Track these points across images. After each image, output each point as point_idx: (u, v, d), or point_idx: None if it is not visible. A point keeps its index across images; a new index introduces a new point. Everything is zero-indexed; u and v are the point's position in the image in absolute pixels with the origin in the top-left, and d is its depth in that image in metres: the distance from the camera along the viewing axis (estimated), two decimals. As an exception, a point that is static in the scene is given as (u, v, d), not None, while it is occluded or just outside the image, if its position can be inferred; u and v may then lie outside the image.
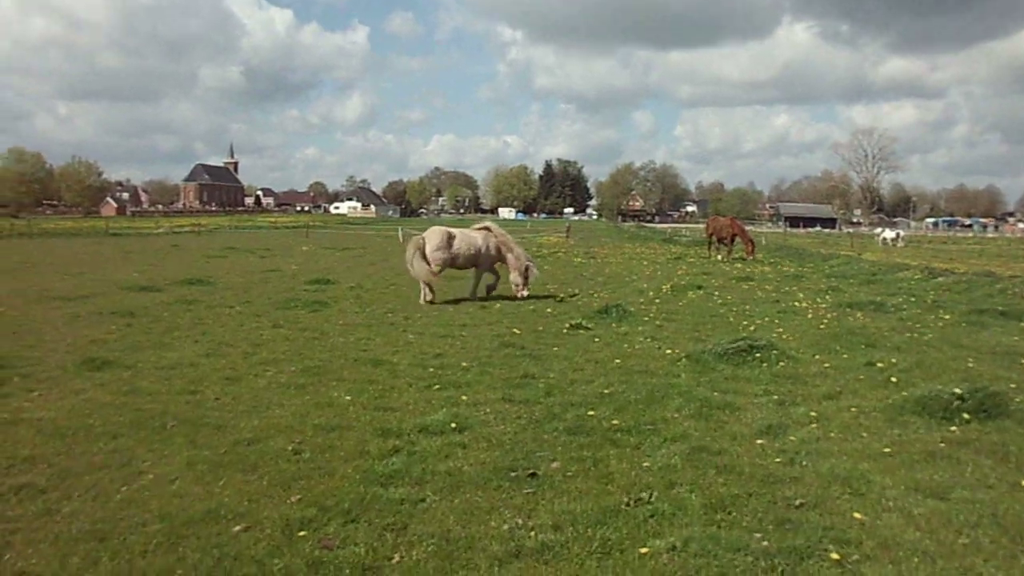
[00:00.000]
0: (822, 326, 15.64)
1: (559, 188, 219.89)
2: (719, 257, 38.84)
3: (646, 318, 16.39)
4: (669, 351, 12.78)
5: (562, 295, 20.16)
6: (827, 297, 21.56)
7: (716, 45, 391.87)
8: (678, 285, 22.94)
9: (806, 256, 40.90)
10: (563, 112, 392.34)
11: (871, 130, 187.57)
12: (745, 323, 16.00)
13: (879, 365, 11.63)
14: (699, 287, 22.78)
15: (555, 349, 13.00)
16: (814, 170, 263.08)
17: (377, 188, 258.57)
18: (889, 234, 79.25)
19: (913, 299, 20.89)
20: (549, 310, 17.65)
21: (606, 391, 9.95)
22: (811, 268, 33.75)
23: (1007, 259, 50.76)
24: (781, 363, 11.64)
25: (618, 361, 11.93)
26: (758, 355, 11.80)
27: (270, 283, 23.80)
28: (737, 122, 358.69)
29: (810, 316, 17.24)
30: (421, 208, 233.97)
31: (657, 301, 19.51)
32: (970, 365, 11.77)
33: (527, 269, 20.14)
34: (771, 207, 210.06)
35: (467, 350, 12.84)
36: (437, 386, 10.16)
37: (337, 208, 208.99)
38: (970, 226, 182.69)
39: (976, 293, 22.36)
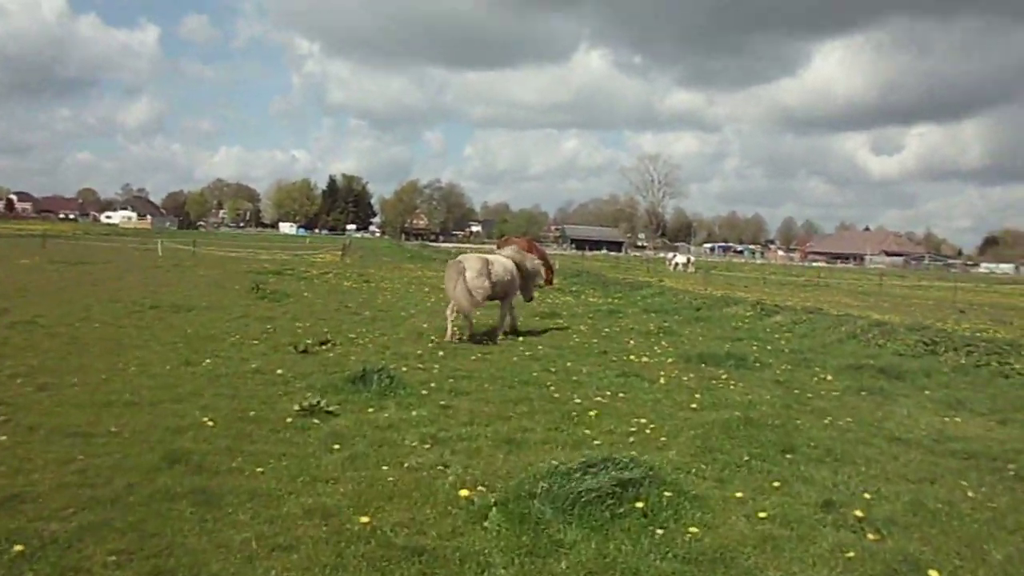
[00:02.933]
0: (693, 406, 10.47)
1: (342, 204, 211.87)
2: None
3: (424, 391, 10.52)
4: (464, 486, 6.78)
5: (309, 340, 13.98)
6: (663, 343, 16.83)
7: (513, 68, 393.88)
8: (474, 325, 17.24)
9: (610, 284, 36.37)
10: (354, 128, 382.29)
11: (657, 156, 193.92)
12: (577, 400, 10.55)
13: (841, 508, 6.51)
14: (490, 333, 17.16)
15: (258, 473, 6.97)
16: (600, 194, 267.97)
17: (159, 198, 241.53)
18: (680, 259, 78.81)
19: (769, 348, 16.73)
20: (281, 371, 11.45)
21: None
22: (621, 299, 29.19)
23: (792, 287, 49.57)
24: (682, 519, 6.09)
25: (363, 519, 5.91)
26: (634, 501, 6.17)
27: None
28: (527, 144, 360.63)
29: (663, 381, 12.17)
30: (200, 220, 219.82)
31: (441, 354, 13.67)
32: (970, 496, 7.18)
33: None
34: (557, 229, 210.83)
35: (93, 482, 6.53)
36: None
37: (109, 218, 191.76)
38: (741, 252, 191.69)
39: (826, 338, 18.69)
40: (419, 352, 13.65)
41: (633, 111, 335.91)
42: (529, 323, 19.23)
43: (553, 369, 12.60)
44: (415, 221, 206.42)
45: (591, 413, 9.60)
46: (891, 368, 14.11)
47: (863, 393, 12.01)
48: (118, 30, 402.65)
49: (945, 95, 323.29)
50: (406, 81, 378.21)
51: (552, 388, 11.03)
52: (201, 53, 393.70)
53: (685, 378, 12.47)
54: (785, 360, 14.93)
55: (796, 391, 11.85)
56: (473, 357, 13.51)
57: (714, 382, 12.18)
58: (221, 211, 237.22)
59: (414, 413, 9.14)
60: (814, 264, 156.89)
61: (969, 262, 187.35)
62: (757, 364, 14.17)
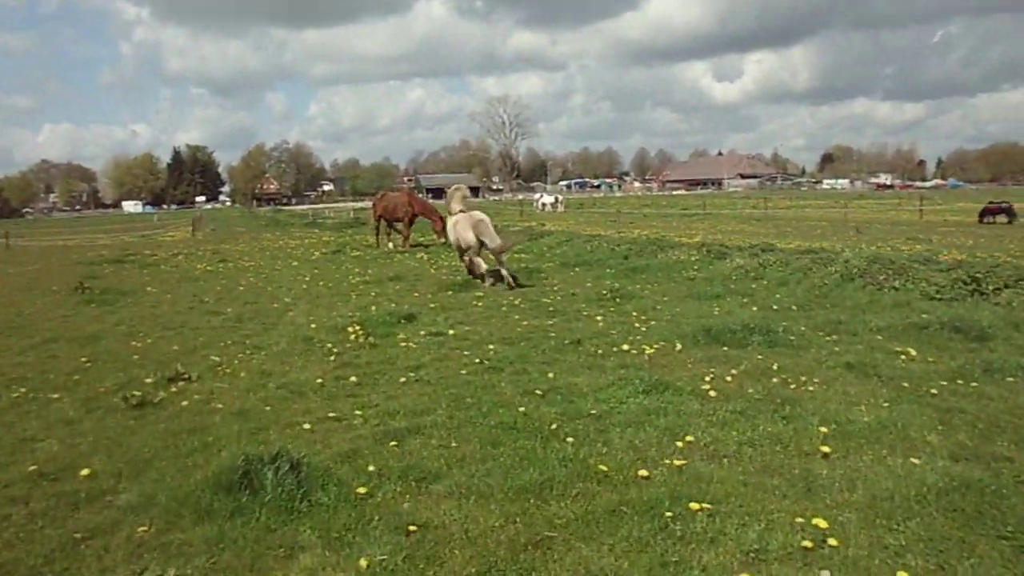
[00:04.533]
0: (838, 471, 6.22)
1: (189, 176, 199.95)
2: (391, 246, 28.90)
3: (361, 485, 5.81)
4: None
5: (149, 378, 9.24)
6: (632, 313, 12.84)
7: (355, 22, 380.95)
8: (371, 318, 12.66)
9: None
10: (196, 97, 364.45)
11: (506, 98, 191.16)
12: (637, 482, 6.10)
13: None
14: (409, 318, 12.69)
15: None
16: (449, 142, 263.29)
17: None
18: (548, 199, 76.29)
19: (775, 309, 12.96)
20: (87, 471, 6.43)
21: None
22: (527, 252, 24.90)
23: (680, 220, 47.01)
24: None
25: None
26: None
27: None
28: (372, 98, 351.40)
29: (713, 394, 7.89)
30: (26, 207, 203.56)
31: (354, 379, 9.09)
32: None
33: None
34: (410, 179, 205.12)
35: None
36: None
37: None
38: (598, 187, 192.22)
39: (820, 285, 15.07)
40: (319, 379, 9.01)
41: (477, 56, 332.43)
42: (448, 302, 14.83)
43: (541, 391, 8.14)
44: (265, 186, 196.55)
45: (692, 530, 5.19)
46: (965, 325, 10.37)
47: (975, 381, 8.16)
48: None
49: (777, 23, 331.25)
50: (245, 44, 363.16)
51: (570, 441, 6.57)
52: (3, 20, 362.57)
53: (729, 378, 8.39)
54: (818, 327, 11.03)
55: (917, 393, 7.81)
56: (403, 379, 8.99)
57: (792, 386, 8.03)
58: (51, 195, 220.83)
59: (362, 563, 4.68)
60: (674, 192, 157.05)
61: (812, 179, 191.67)
62: (793, 339, 10.22)
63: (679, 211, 62.66)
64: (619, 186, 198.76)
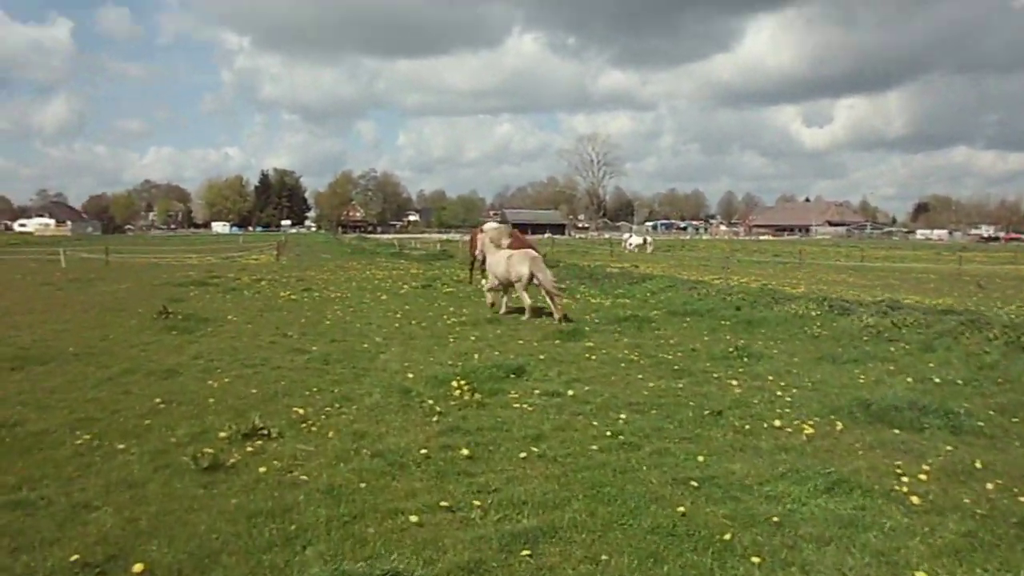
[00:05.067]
0: None
1: (276, 200, 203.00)
2: (484, 283, 27.33)
3: None
4: None
5: (224, 432, 7.95)
6: (769, 379, 11.12)
7: (446, 54, 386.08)
8: (476, 370, 11.21)
9: (597, 276, 30.57)
10: (287, 123, 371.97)
11: (595, 136, 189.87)
12: None
13: None
14: (518, 371, 11.26)
15: None
16: (536, 178, 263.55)
17: (79, 203, 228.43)
18: (636, 239, 74.08)
19: (937, 381, 11.27)
20: (140, 566, 5.23)
21: None
22: (628, 297, 23.43)
23: (777, 267, 44.69)
24: None
25: None
26: None
27: None
28: (461, 131, 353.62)
29: (916, 501, 6.22)
30: (128, 224, 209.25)
31: (463, 453, 7.66)
32: None
33: None
34: (496, 214, 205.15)
35: None
36: None
37: (23, 226, 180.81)
38: (685, 229, 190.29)
39: (978, 353, 13.34)
40: (423, 448, 7.58)
41: (567, 93, 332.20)
42: (558, 353, 13.37)
43: (695, 480, 6.61)
44: (351, 213, 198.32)
45: None
46: None
47: None
48: (25, 25, 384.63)
49: (871, 67, 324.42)
50: (338, 72, 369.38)
51: (755, 561, 5.05)
52: (123, 50, 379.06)
53: (923, 476, 6.77)
54: (1005, 411, 9.31)
55: None
56: (523, 454, 7.51)
57: (1021, 498, 6.42)
58: (151, 213, 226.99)
59: None
60: (761, 238, 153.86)
61: (904, 229, 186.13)
62: (982, 426, 8.54)
63: (772, 258, 60.37)
64: (705, 229, 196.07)
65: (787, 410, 9.14)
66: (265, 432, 7.88)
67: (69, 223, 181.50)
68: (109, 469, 6.96)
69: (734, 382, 10.81)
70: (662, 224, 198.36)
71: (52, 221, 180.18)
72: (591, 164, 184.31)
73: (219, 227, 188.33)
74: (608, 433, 8.17)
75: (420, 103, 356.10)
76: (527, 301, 18.29)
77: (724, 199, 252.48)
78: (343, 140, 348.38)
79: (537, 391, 10.12)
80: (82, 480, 6.70)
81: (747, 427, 8.44)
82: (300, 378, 10.96)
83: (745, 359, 12.76)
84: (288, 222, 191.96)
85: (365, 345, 14.07)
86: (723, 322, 17.77)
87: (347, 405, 9.35)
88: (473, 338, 14.95)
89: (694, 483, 6.56)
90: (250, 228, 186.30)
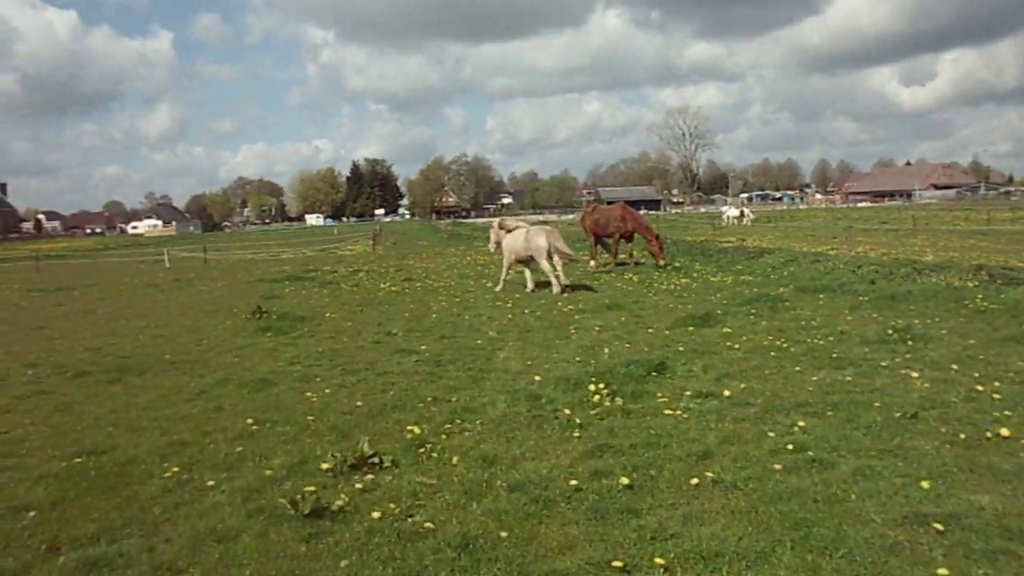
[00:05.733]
0: None
1: (368, 189, 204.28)
2: (592, 264, 25.89)
3: None
4: None
5: (327, 463, 6.69)
6: (951, 366, 9.58)
7: (531, 35, 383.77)
8: (610, 368, 9.73)
9: (709, 252, 28.76)
10: (375, 113, 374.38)
11: (685, 109, 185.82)
12: None
13: None
14: (660, 368, 9.77)
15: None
16: (627, 154, 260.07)
17: (182, 203, 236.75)
18: (733, 212, 71.61)
19: None
20: None
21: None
22: (749, 274, 21.69)
23: (890, 235, 41.80)
24: None
25: None
26: None
27: None
28: (550, 111, 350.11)
29: None
30: (224, 221, 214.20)
31: (621, 483, 6.20)
32: None
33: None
34: (589, 192, 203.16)
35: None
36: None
37: (135, 228, 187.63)
38: (780, 199, 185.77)
39: None
40: (570, 478, 6.16)
41: (653, 67, 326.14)
42: (694, 342, 11.78)
43: (938, 523, 4.98)
44: (444, 199, 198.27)
45: None
46: None
47: None
48: (131, 39, 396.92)
49: (979, 15, 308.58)
50: (423, 60, 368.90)
51: None
52: (216, 54, 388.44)
53: None
54: None
55: None
56: (694, 480, 6.04)
57: None
58: (245, 209, 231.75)
59: None
60: (859, 205, 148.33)
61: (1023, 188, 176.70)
62: None
63: (880, 224, 57.23)
64: (801, 198, 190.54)
65: (1006, 412, 7.40)
66: (376, 461, 6.58)
67: (174, 223, 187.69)
68: (198, 513, 5.80)
69: (914, 374, 9.07)
70: (757, 195, 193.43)
71: (159, 222, 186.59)
72: (682, 138, 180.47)
73: (313, 219, 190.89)
74: (788, 446, 6.67)
75: (507, 86, 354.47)
76: (552, 273, 18.93)
77: (818, 167, 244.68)
78: (432, 127, 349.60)
79: (687, 392, 8.62)
80: (168, 527, 5.57)
81: (961, 436, 6.79)
82: (411, 385, 9.69)
83: (909, 342, 11.05)
84: (382, 211, 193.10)
85: (479, 341, 12.74)
86: (861, 298, 16.02)
87: (469, 419, 8.00)
88: (597, 328, 13.48)
89: (936, 525, 4.98)
90: (344, 219, 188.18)
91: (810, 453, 6.47)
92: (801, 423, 7.29)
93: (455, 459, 6.75)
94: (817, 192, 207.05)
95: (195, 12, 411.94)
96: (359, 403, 8.87)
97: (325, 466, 6.58)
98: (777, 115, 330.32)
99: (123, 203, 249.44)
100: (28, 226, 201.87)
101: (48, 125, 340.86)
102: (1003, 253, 23.61)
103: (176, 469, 6.77)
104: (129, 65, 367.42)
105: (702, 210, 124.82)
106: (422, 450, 6.98)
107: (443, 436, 7.45)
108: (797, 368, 9.78)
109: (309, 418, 8.29)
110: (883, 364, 9.76)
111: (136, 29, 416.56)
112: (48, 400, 9.85)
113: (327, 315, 16.90)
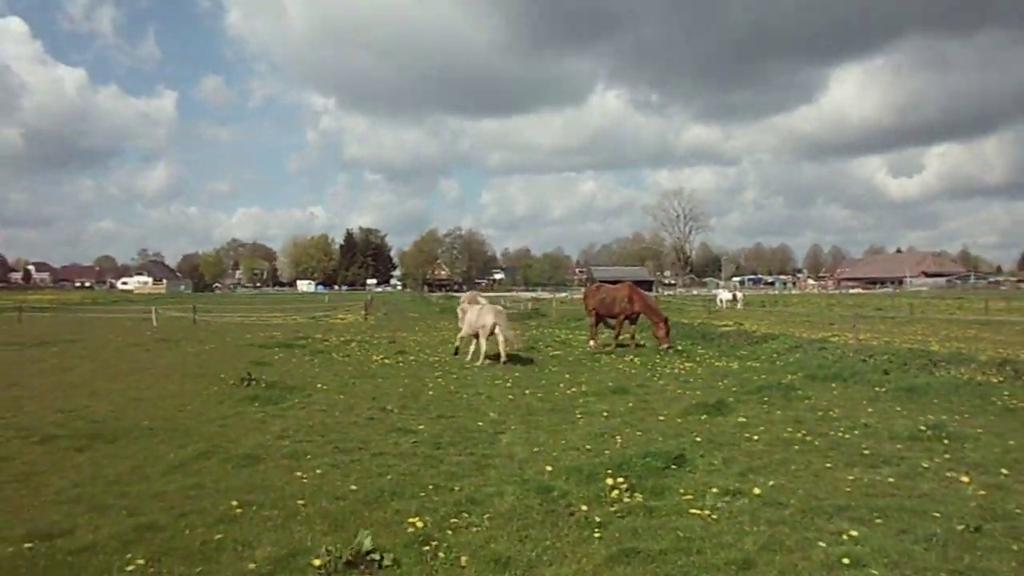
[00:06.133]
0: None
1: (361, 258, 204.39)
2: (592, 344, 25.07)
3: None
4: None
5: (322, 558, 5.93)
6: (1000, 471, 8.88)
7: (530, 112, 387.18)
8: (626, 459, 8.98)
9: (710, 336, 28.11)
10: (371, 183, 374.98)
11: (680, 191, 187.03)
12: None
13: None
14: (678, 461, 9.02)
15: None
16: (621, 234, 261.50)
17: (174, 262, 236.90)
18: (726, 295, 71.30)
19: None
20: None
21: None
22: (753, 359, 21.03)
23: (887, 323, 41.24)
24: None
25: None
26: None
27: None
28: (545, 189, 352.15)
29: None
30: (216, 282, 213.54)
31: None
32: None
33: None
34: (582, 271, 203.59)
35: None
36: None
37: (125, 284, 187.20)
38: (772, 283, 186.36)
39: None
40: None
41: (650, 149, 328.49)
42: (710, 432, 11.02)
43: None
44: (436, 272, 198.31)
45: None
46: None
47: None
48: (136, 99, 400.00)
49: (967, 112, 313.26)
50: (422, 132, 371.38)
51: None
52: (217, 115, 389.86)
53: None
54: None
55: None
56: None
57: None
58: (237, 272, 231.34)
59: None
60: (851, 291, 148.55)
61: (1014, 278, 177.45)
62: None
63: (875, 311, 56.68)
64: (793, 283, 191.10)
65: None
66: (376, 558, 5.81)
67: (165, 281, 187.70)
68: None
69: (963, 478, 8.35)
70: (749, 279, 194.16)
71: (150, 279, 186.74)
72: (677, 219, 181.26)
73: (304, 285, 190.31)
74: (843, 559, 5.89)
75: (504, 161, 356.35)
76: (483, 349, 21.30)
77: (810, 252, 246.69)
78: (427, 199, 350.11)
79: (712, 488, 7.84)
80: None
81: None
82: (409, 470, 8.90)
83: (944, 440, 10.33)
84: (374, 280, 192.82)
85: (480, 423, 11.94)
86: (877, 389, 15.39)
87: (475, 512, 7.20)
88: (604, 414, 12.69)
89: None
90: (336, 287, 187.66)
91: (873, 572, 5.70)
92: (852, 532, 6.52)
93: (463, 559, 5.98)
94: (809, 277, 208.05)
95: (201, 74, 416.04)
96: (353, 487, 8.08)
97: (316, 562, 5.79)
98: (770, 200, 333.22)
99: (115, 258, 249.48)
100: (17, 276, 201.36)
101: (47, 178, 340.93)
102: (1011, 346, 23.05)
103: (141, 561, 5.94)
104: (132, 123, 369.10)
105: (694, 292, 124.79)
106: (427, 548, 6.19)
107: (448, 531, 6.66)
108: (828, 464, 9.05)
109: (299, 502, 7.49)
110: (923, 465, 9.04)
111: (142, 89, 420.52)
112: (6, 468, 9.01)
113: (318, 386, 16.11)
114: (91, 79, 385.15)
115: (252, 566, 5.84)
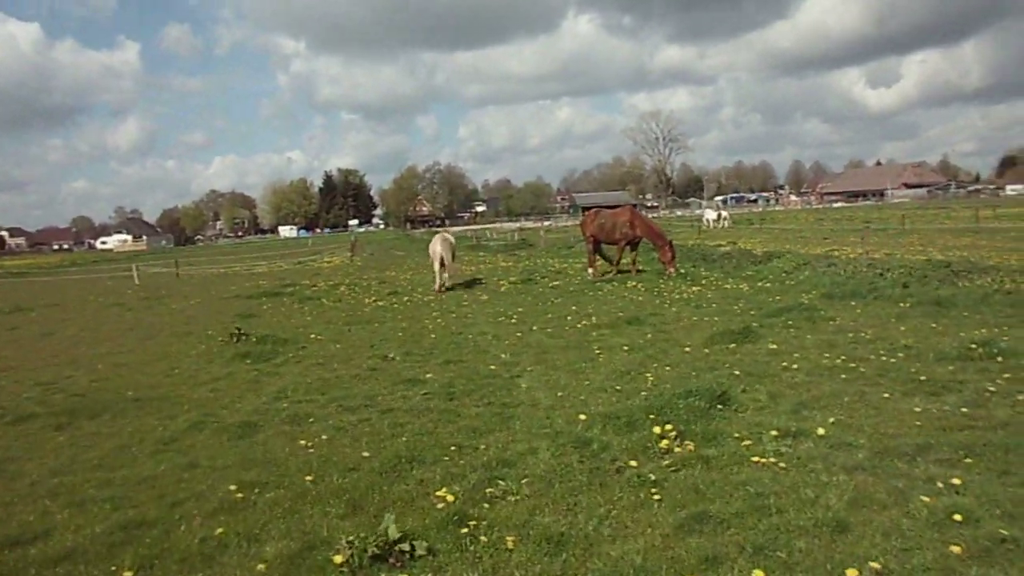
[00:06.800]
0: None
1: (341, 200, 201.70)
2: (591, 272, 24.11)
3: None
4: None
5: (338, 551, 5.02)
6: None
7: (503, 42, 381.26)
8: (666, 399, 8.13)
9: (711, 257, 27.27)
10: (348, 123, 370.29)
11: (658, 113, 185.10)
12: None
13: None
14: (723, 399, 8.14)
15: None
16: (600, 160, 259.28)
17: (153, 218, 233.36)
18: (711, 215, 70.65)
19: None
20: None
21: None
22: (761, 280, 20.19)
23: (881, 235, 40.59)
24: None
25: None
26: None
27: None
28: (522, 118, 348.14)
29: None
30: (197, 235, 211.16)
31: None
32: None
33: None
34: (564, 198, 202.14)
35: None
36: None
37: (104, 243, 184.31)
38: (755, 200, 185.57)
39: None
40: (676, 571, 4.63)
41: (625, 73, 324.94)
42: (745, 364, 10.14)
43: None
44: (418, 208, 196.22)
45: None
46: None
47: None
48: (97, 52, 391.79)
49: (946, 18, 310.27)
50: (396, 69, 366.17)
51: None
52: (185, 66, 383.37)
53: None
54: None
55: None
56: (849, 571, 4.44)
57: None
58: (218, 222, 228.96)
59: None
60: (834, 205, 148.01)
61: (992, 186, 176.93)
62: None
63: (864, 225, 55.98)
64: (776, 200, 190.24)
65: None
66: (407, 548, 4.93)
67: (145, 238, 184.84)
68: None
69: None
70: (732, 198, 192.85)
71: (129, 237, 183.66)
72: (656, 142, 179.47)
73: (286, 231, 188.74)
74: (953, 515, 5.02)
75: (480, 93, 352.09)
76: (438, 277, 23.10)
77: (792, 168, 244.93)
78: (405, 136, 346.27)
79: (771, 431, 6.94)
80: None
81: None
82: (425, 427, 8.01)
83: (999, 359, 9.49)
84: (355, 221, 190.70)
85: (492, 367, 11.05)
86: (901, 304, 14.58)
87: (509, 476, 6.30)
88: (625, 348, 11.78)
89: None
90: (318, 230, 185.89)
91: (1002, 530, 4.83)
92: (951, 478, 5.65)
93: (509, 540, 5.09)
94: (792, 193, 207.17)
95: (163, 23, 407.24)
96: (366, 453, 7.20)
97: (338, 558, 4.87)
98: (749, 117, 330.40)
99: (92, 218, 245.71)
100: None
101: (12, 139, 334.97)
102: (1014, 252, 22.36)
103: (129, 571, 5.05)
104: (95, 77, 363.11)
105: (678, 213, 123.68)
106: (463, 530, 5.29)
107: (484, 505, 5.77)
108: (885, 395, 8.19)
109: (307, 478, 6.59)
110: (990, 388, 8.19)
111: (102, 41, 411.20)
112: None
113: (312, 336, 15.20)
114: (46, 33, 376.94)
115: (262, 567, 4.95)
